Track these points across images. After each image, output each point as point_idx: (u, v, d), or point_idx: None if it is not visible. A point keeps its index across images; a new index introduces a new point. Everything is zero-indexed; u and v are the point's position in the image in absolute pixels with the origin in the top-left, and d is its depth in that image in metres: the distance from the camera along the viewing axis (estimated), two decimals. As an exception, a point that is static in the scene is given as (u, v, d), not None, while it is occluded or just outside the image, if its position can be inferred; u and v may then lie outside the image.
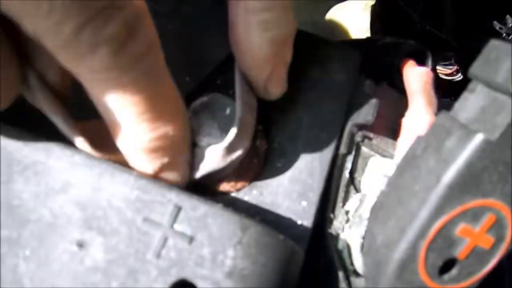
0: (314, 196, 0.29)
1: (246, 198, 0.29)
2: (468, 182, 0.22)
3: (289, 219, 0.28)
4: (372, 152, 0.31)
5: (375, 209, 0.27)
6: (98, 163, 0.24)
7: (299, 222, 0.28)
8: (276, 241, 0.23)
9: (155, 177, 0.25)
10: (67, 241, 0.22)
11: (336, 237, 0.29)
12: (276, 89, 0.28)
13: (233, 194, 0.29)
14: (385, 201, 0.26)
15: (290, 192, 0.29)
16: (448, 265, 0.24)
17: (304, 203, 0.29)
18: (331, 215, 0.30)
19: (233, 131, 0.26)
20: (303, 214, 0.28)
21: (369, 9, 0.57)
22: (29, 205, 0.23)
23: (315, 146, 0.30)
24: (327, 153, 0.30)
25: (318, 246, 0.29)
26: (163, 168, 0.24)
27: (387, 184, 0.27)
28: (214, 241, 0.22)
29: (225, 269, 0.22)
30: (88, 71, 0.20)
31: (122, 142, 0.23)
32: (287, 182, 0.29)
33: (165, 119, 0.23)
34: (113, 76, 0.20)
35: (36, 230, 0.22)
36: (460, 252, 0.24)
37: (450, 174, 0.22)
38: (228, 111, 0.29)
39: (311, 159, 0.30)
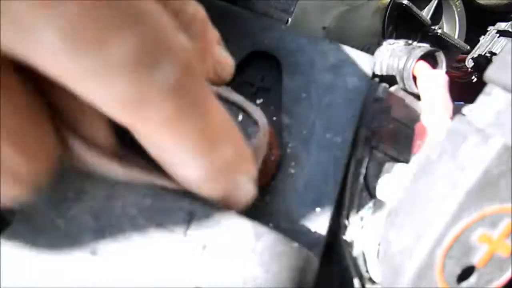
0: (328, 203, 0.29)
1: (259, 205, 0.29)
2: (486, 188, 0.22)
3: (303, 226, 0.28)
4: (386, 157, 0.31)
5: (390, 216, 0.27)
6: None
7: (313, 229, 0.28)
8: (290, 249, 0.23)
9: (224, 203, 0.23)
10: (80, 249, 0.22)
11: (351, 244, 0.29)
12: (229, 72, 0.28)
13: None
14: (400, 207, 0.26)
15: (304, 198, 0.29)
16: (466, 272, 0.23)
17: (318, 209, 0.28)
18: (346, 222, 0.30)
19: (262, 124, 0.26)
20: (317, 221, 0.28)
21: (380, 13, 0.56)
22: (42, 214, 0.23)
23: (328, 152, 0.30)
24: (341, 159, 0.30)
25: (333, 253, 0.29)
26: (228, 191, 0.23)
27: (402, 190, 0.26)
28: (228, 249, 0.22)
29: (238, 278, 0.22)
30: (154, 125, 0.18)
31: (180, 178, 0.22)
32: (301, 188, 0.29)
33: (221, 144, 0.21)
34: (175, 123, 0.18)
35: (50, 238, 0.22)
36: (478, 259, 0.23)
37: (467, 180, 0.22)
38: (240, 117, 0.29)
39: (324, 164, 0.29)
